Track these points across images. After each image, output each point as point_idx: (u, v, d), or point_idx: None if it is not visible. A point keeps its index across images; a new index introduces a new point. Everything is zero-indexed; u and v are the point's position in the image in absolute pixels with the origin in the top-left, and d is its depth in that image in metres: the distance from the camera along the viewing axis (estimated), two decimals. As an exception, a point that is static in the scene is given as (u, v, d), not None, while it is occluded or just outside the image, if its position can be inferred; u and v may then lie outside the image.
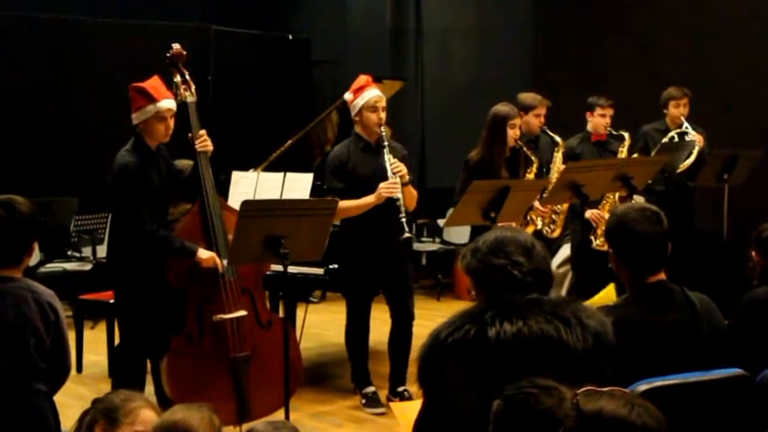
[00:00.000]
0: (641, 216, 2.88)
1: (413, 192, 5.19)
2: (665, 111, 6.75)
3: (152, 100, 4.41)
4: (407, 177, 5.07)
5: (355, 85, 5.22)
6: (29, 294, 3.08)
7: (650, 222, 2.86)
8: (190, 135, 4.61)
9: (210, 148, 4.62)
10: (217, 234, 4.53)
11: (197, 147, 4.59)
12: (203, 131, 4.62)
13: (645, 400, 1.88)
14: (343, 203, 5.05)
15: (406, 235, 4.96)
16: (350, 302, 5.37)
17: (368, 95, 5.13)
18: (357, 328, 5.31)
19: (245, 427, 4.59)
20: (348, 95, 5.22)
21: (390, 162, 5.02)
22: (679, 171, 6.54)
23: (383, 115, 5.14)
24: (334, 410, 5.23)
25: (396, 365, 5.35)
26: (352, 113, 5.22)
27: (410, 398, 5.19)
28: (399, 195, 4.98)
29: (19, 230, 3.12)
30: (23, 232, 3.13)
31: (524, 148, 5.63)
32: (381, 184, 4.99)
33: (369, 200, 5.04)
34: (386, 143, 5.05)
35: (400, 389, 5.32)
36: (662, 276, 2.89)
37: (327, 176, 5.24)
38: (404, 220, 4.98)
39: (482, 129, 5.58)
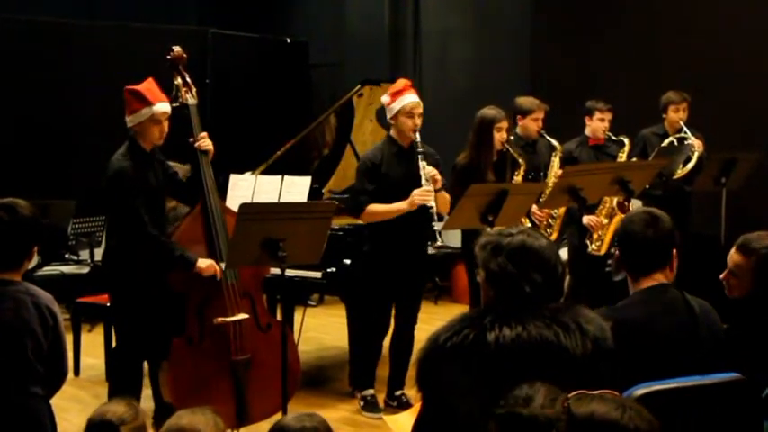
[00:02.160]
0: (639, 218, 2.94)
1: (446, 196, 5.18)
2: (664, 115, 6.73)
3: (147, 103, 4.40)
4: (440, 183, 5.08)
5: (393, 88, 5.19)
6: (27, 298, 3.08)
7: (645, 224, 2.90)
8: (191, 139, 4.61)
9: (212, 148, 4.63)
10: (219, 236, 4.52)
11: (199, 146, 4.58)
12: (205, 133, 4.62)
13: (637, 403, 1.88)
14: (374, 207, 5.06)
15: (439, 243, 5.01)
16: (369, 302, 5.28)
17: (405, 101, 5.09)
18: (374, 327, 5.27)
19: (243, 430, 4.61)
20: (385, 98, 5.18)
21: (424, 168, 5.02)
22: (678, 177, 6.53)
23: (419, 121, 5.11)
24: (332, 414, 5.22)
25: (396, 369, 5.35)
26: (388, 116, 5.19)
27: (407, 402, 5.20)
28: (432, 203, 4.97)
29: (20, 234, 3.11)
30: (24, 236, 3.13)
31: (511, 151, 5.62)
32: (415, 191, 4.97)
33: (401, 206, 5.02)
34: (419, 149, 5.05)
35: (398, 393, 5.32)
36: (662, 279, 2.90)
37: (359, 178, 5.20)
38: (436, 228, 4.98)
39: (469, 132, 5.59)
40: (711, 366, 2.73)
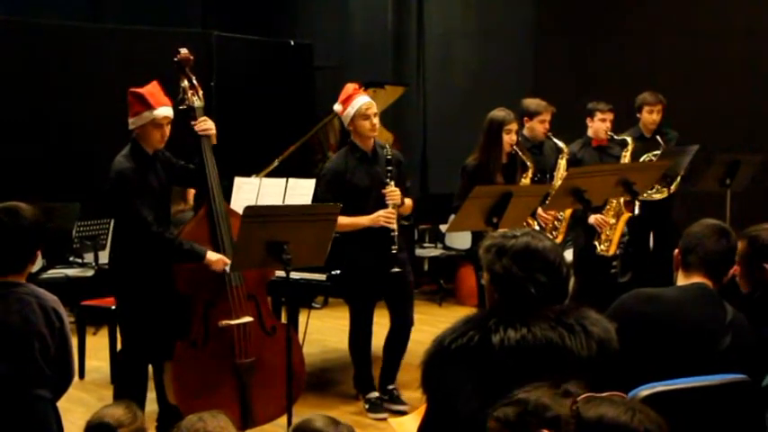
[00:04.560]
0: (702, 222, 3.10)
1: (408, 203, 5.27)
2: (639, 115, 6.68)
3: (149, 107, 4.38)
4: (399, 200, 5.14)
5: (343, 95, 5.22)
6: (33, 300, 3.08)
7: (718, 234, 3.03)
8: (193, 123, 4.58)
9: (213, 131, 4.60)
10: (224, 235, 4.52)
11: (200, 129, 4.56)
12: (205, 117, 4.61)
13: (645, 405, 1.88)
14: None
15: (395, 269, 5.04)
16: (353, 309, 5.38)
17: (358, 104, 5.13)
18: (360, 333, 5.32)
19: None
20: (337, 107, 5.22)
21: (390, 191, 5.09)
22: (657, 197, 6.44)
23: (376, 121, 5.16)
24: (337, 416, 5.17)
25: (388, 364, 5.37)
26: (345, 124, 5.24)
27: (398, 396, 5.27)
28: (395, 226, 5.06)
29: (23, 238, 3.11)
30: (28, 239, 3.13)
31: (520, 154, 5.62)
32: (381, 212, 5.06)
33: (362, 221, 5.08)
34: (390, 168, 5.12)
35: (390, 387, 5.34)
36: (708, 284, 2.97)
37: (322, 187, 5.24)
38: (395, 251, 5.04)
39: (479, 135, 5.59)
40: (726, 367, 2.74)
